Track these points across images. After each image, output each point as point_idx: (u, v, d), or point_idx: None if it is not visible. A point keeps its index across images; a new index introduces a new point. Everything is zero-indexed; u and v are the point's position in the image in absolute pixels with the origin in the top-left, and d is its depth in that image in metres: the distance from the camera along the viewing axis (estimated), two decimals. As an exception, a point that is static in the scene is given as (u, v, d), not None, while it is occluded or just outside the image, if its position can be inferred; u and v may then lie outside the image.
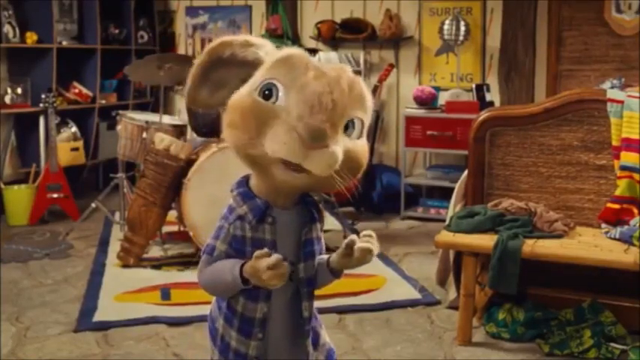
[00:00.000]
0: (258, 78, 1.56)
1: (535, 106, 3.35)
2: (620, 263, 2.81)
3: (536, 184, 3.29)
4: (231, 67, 1.64)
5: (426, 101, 5.61)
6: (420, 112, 5.58)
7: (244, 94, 1.55)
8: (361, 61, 6.09)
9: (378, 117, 5.93)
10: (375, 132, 5.92)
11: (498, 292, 3.13)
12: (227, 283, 1.58)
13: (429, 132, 5.50)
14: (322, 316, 3.44)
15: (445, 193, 5.61)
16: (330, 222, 5.28)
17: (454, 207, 3.57)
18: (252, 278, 1.52)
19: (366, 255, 1.65)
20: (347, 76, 1.60)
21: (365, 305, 3.60)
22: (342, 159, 1.50)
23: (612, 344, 3.02)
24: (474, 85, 5.67)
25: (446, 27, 5.59)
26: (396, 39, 6.01)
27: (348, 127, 1.54)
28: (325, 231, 5.28)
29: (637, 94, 3.15)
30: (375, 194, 5.81)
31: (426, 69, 6.07)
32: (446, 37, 5.62)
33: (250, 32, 6.65)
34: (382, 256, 4.50)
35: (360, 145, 1.60)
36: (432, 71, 6.05)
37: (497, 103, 5.71)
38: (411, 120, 5.58)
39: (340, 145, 1.50)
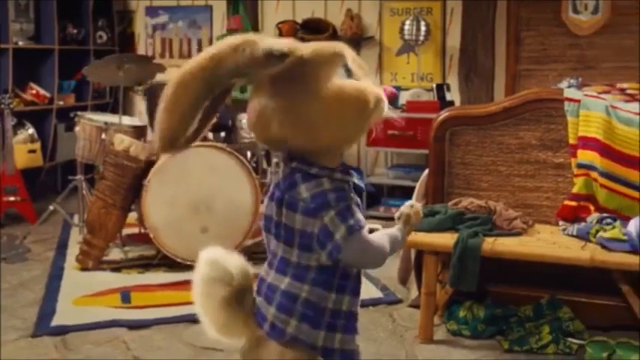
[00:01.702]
0: None
1: (494, 105, 3.39)
2: (577, 260, 2.86)
3: (496, 183, 3.32)
4: None
5: (387, 101, 5.62)
6: (382, 112, 5.59)
7: None
8: (322, 61, 6.08)
9: (339, 117, 5.93)
10: (337, 132, 5.93)
11: (459, 290, 3.15)
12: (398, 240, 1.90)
13: (390, 131, 5.52)
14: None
15: (407, 193, 5.64)
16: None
17: (415, 206, 3.57)
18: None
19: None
20: None
21: (327, 305, 3.60)
22: None
23: (570, 339, 3.06)
24: (434, 85, 5.72)
25: (406, 27, 5.63)
26: (357, 39, 6.02)
27: None
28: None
29: (593, 94, 3.21)
30: (337, 194, 5.81)
31: (387, 69, 6.09)
32: (406, 37, 5.66)
33: (211, 32, 6.63)
34: (345, 256, 4.51)
35: None
36: (392, 71, 6.08)
37: (457, 103, 5.76)
38: (372, 120, 5.59)
39: None
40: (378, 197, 5.84)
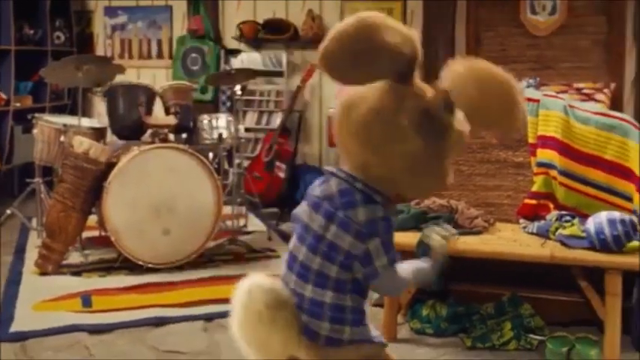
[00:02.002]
0: None
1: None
2: (537, 257, 2.89)
3: (457, 182, 3.35)
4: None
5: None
6: (343, 113, 5.61)
7: None
8: (284, 61, 6.08)
9: (300, 118, 5.94)
10: (298, 133, 5.93)
11: (422, 289, 3.18)
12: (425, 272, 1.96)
13: (352, 132, 5.54)
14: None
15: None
16: (255, 223, 5.27)
17: (378, 206, 3.59)
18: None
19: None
20: None
21: (291, 306, 3.59)
22: None
23: (531, 335, 3.11)
24: (395, 85, 5.75)
25: (367, 28, 5.64)
26: (319, 39, 5.99)
27: None
28: (249, 232, 5.21)
29: (552, 93, 3.26)
30: (299, 194, 5.80)
31: (349, 69, 6.10)
32: (367, 37, 5.67)
33: (171, 33, 6.57)
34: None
35: None
36: (354, 72, 6.08)
37: (418, 103, 5.80)
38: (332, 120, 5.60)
39: None
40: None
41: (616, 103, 5.03)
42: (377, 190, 1.80)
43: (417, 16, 5.82)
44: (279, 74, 6.08)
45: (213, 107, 6.14)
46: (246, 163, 5.70)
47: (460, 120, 1.81)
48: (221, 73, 4.91)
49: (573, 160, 3.14)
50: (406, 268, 1.92)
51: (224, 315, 3.43)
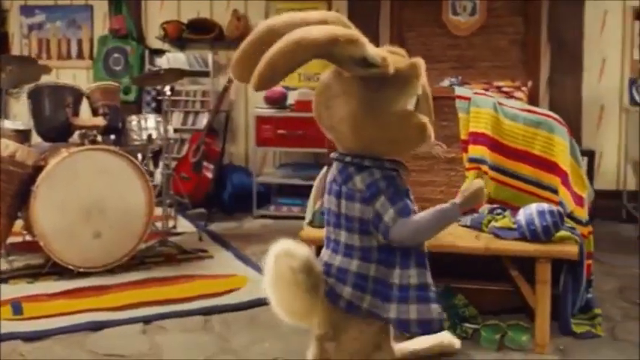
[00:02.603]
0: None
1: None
2: (472, 249, 3.01)
3: (394, 179, 3.43)
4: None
5: (276, 101, 5.69)
6: (271, 112, 5.64)
7: None
8: (210, 61, 6.05)
9: (227, 118, 5.93)
10: (226, 133, 5.92)
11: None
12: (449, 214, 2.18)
13: (279, 131, 5.58)
14: (187, 319, 3.44)
15: (296, 191, 5.72)
16: (184, 224, 5.23)
17: (314, 203, 3.64)
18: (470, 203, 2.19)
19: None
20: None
21: (229, 305, 3.60)
22: None
23: (466, 324, 3.21)
24: (322, 85, 5.81)
25: (293, 28, 5.69)
26: (244, 39, 6.01)
27: None
28: (179, 233, 5.15)
29: (482, 92, 3.39)
30: (226, 194, 5.80)
31: (275, 69, 6.12)
32: (293, 37, 5.72)
33: (92, 33, 6.43)
34: (240, 256, 4.52)
35: None
36: (280, 71, 6.11)
37: (344, 102, 5.89)
38: (262, 120, 5.63)
39: None
40: (267, 196, 5.87)
41: (533, 101, 5.25)
42: (365, 156, 2.07)
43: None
44: (205, 74, 6.04)
45: (137, 108, 6.05)
46: (173, 164, 5.64)
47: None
48: (150, 73, 4.84)
49: (503, 156, 3.27)
50: (424, 215, 2.13)
51: (162, 317, 3.45)
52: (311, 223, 3.29)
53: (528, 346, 3.07)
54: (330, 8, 5.95)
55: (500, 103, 3.33)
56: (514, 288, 3.25)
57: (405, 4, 5.67)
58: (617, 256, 4.44)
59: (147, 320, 3.39)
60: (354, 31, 2.05)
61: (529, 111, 3.33)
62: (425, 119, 2.19)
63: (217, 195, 5.70)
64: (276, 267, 2.10)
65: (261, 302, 3.59)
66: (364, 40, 2.02)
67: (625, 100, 5.66)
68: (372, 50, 2.03)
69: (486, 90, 4.73)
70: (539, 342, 3.03)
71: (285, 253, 2.11)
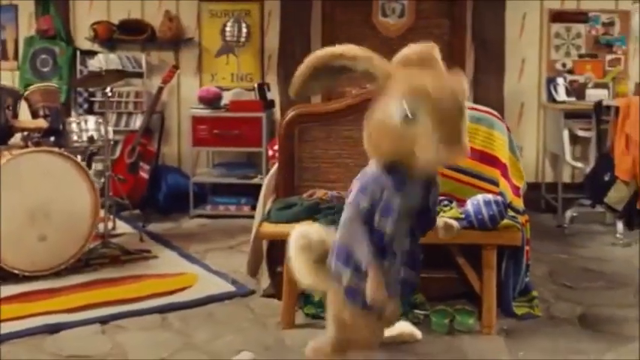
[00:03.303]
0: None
1: (338, 103, 3.65)
2: (425, 239, 3.15)
3: (343, 174, 3.57)
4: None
5: (211, 101, 5.73)
6: (207, 112, 5.69)
7: None
8: (143, 62, 6.04)
9: (163, 118, 5.94)
10: (161, 133, 5.93)
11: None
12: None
13: (215, 131, 5.64)
14: (143, 318, 3.49)
15: (232, 190, 5.80)
16: (121, 225, 5.21)
17: (265, 200, 3.74)
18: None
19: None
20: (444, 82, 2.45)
21: (185, 302, 3.66)
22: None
23: (417, 311, 3.40)
24: (256, 85, 5.91)
25: (228, 29, 5.77)
26: (177, 40, 6.05)
27: None
28: (119, 235, 5.13)
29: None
30: (161, 195, 5.81)
31: (207, 70, 6.18)
32: (228, 38, 5.80)
33: (16, 33, 6.29)
34: (185, 255, 4.57)
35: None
36: (212, 72, 6.18)
37: (277, 102, 6.01)
38: (197, 120, 5.67)
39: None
40: (202, 196, 5.90)
41: (459, 99, 5.51)
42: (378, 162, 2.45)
43: (274, 17, 6.01)
44: (138, 75, 6.02)
45: (66, 110, 5.96)
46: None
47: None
48: (90, 74, 4.81)
49: (447, 151, 3.46)
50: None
51: (118, 317, 3.48)
52: (268, 219, 3.38)
53: (475, 328, 3.29)
54: (262, 9, 6.06)
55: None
56: (458, 275, 3.46)
57: (337, 5, 5.81)
58: (542, 244, 4.74)
59: (103, 320, 3.41)
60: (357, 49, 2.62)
61: (471, 108, 3.53)
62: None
63: (152, 196, 5.70)
64: (289, 243, 2.64)
65: (215, 299, 3.73)
66: (369, 55, 2.59)
67: (543, 97, 6.02)
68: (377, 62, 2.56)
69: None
70: (486, 324, 3.25)
71: (296, 234, 2.65)
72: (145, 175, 5.60)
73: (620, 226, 4.91)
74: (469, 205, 3.20)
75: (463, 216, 3.22)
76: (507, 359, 3.02)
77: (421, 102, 2.29)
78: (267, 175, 3.86)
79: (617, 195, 4.78)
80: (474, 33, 5.86)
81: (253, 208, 5.64)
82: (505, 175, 3.45)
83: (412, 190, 2.47)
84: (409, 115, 2.29)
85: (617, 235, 4.89)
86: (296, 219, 3.30)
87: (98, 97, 6.06)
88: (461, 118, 2.36)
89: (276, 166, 3.74)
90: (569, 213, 5.27)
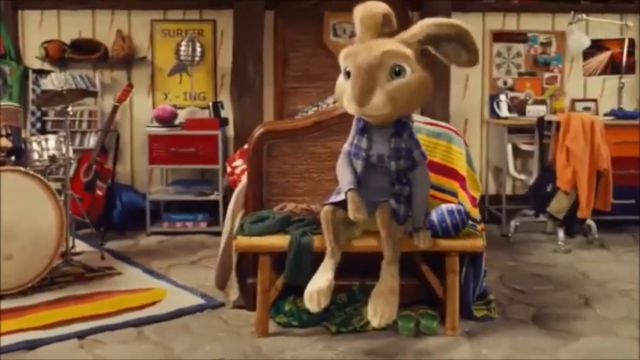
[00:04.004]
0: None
1: (306, 120, 3.82)
2: (379, 247, 3.30)
3: (310, 188, 3.74)
4: None
5: (167, 120, 5.82)
6: (163, 131, 5.77)
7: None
8: (97, 81, 6.07)
9: (118, 137, 5.98)
10: (117, 152, 5.97)
11: (285, 285, 3.49)
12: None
13: (172, 149, 5.72)
14: (119, 332, 3.56)
15: (188, 207, 5.89)
16: (79, 244, 5.22)
17: (234, 215, 3.87)
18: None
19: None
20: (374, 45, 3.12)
21: (158, 315, 3.74)
22: (390, 96, 3.04)
23: (384, 317, 3.57)
24: (210, 103, 6.03)
25: (183, 48, 5.88)
26: (129, 59, 6.12)
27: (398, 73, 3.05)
28: (78, 253, 5.16)
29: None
30: (116, 213, 5.85)
31: (160, 88, 6.26)
32: (183, 57, 5.90)
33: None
34: (148, 271, 4.64)
35: (403, 82, 3.07)
36: (165, 91, 6.26)
37: (230, 120, 6.13)
38: (154, 138, 5.74)
39: (382, 92, 3.04)
40: (157, 213, 5.97)
41: (407, 115, 5.77)
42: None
43: (227, 36, 6.15)
44: (92, 94, 6.04)
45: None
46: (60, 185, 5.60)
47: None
48: (52, 93, 4.81)
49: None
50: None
51: (94, 331, 3.55)
52: (241, 232, 3.50)
53: (439, 331, 3.49)
54: (215, 29, 6.19)
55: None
56: (420, 282, 3.66)
57: (288, 25, 6.00)
58: (490, 252, 4.93)
59: (80, 335, 3.46)
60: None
61: (430, 124, 3.76)
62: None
63: (107, 214, 5.73)
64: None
65: (187, 312, 3.82)
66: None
67: (486, 113, 6.33)
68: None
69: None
70: (450, 326, 3.45)
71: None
72: (101, 193, 5.63)
73: (561, 234, 5.22)
74: (433, 215, 3.41)
75: (428, 225, 3.42)
76: (472, 358, 3.22)
77: (349, 63, 3.10)
78: (235, 190, 3.98)
79: (558, 205, 5.10)
80: (420, 52, 6.11)
81: (210, 224, 5.81)
82: (463, 186, 3.68)
83: (376, 137, 3.17)
84: (347, 72, 3.11)
85: (559, 243, 5.20)
86: (269, 231, 3.45)
87: (51, 117, 6.08)
88: (370, 80, 3.03)
89: (244, 181, 3.87)
90: (512, 223, 5.56)
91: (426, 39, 3.09)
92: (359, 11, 3.21)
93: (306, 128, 3.72)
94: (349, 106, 3.14)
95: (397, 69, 3.04)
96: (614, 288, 4.25)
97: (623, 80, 6.08)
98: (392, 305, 3.09)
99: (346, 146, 3.28)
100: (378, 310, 3.07)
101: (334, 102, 5.05)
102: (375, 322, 3.09)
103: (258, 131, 3.75)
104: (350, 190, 3.17)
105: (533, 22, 6.31)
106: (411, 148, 3.22)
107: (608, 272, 4.62)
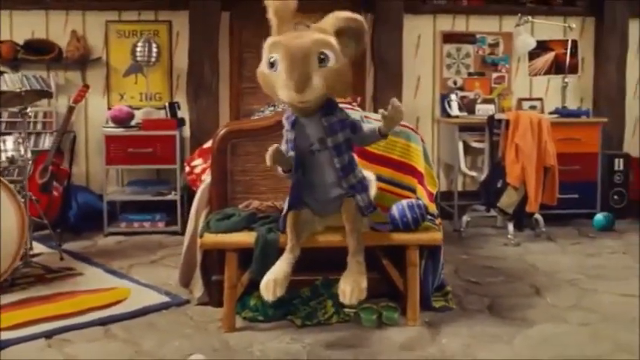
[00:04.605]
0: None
1: (269, 119, 3.91)
2: (342, 242, 3.41)
3: (272, 186, 3.83)
4: None
5: (124, 120, 5.83)
6: (120, 131, 5.77)
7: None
8: (52, 82, 6.02)
9: (75, 138, 5.96)
10: (72, 153, 5.94)
11: (251, 281, 3.58)
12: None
13: (129, 149, 5.73)
14: (86, 331, 3.60)
15: (145, 206, 5.91)
16: (36, 245, 5.21)
17: (198, 213, 3.93)
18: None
19: (397, 111, 3.24)
20: (300, 34, 3.15)
21: (124, 314, 3.78)
22: (324, 82, 3.11)
23: (347, 309, 3.69)
24: (167, 104, 6.06)
25: (139, 49, 5.89)
26: (84, 60, 6.10)
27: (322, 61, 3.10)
28: (37, 254, 5.15)
29: (349, 106, 3.89)
30: (72, 214, 5.83)
31: (115, 89, 6.26)
32: (139, 58, 5.92)
33: None
34: (110, 271, 4.66)
35: (329, 70, 3.12)
36: (120, 91, 6.27)
37: (187, 120, 6.17)
38: (111, 139, 5.74)
39: (317, 78, 3.09)
40: (113, 214, 5.97)
41: (362, 114, 5.91)
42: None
43: (182, 37, 6.18)
44: (49, 95, 5.99)
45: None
46: (17, 186, 5.55)
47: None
48: (10, 94, 4.77)
49: (368, 161, 3.78)
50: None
51: (61, 331, 3.58)
52: (207, 230, 3.57)
53: (400, 322, 3.63)
54: (170, 29, 6.22)
55: (366, 117, 3.87)
56: (381, 275, 3.78)
57: (243, 27, 6.07)
58: (444, 246, 5.14)
59: (47, 335, 3.48)
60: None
61: (390, 123, 3.89)
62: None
63: (62, 215, 5.71)
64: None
65: (153, 309, 3.87)
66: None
67: (437, 112, 6.52)
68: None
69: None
70: (411, 317, 3.59)
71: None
72: (57, 194, 5.61)
73: (510, 227, 5.43)
74: (394, 210, 3.54)
75: (388, 220, 3.56)
76: (433, 346, 3.37)
77: (277, 53, 3.14)
78: (199, 189, 4.03)
79: (508, 200, 5.31)
80: (373, 53, 6.28)
81: (168, 223, 5.84)
82: (421, 182, 3.82)
83: (309, 127, 3.25)
84: (271, 63, 3.16)
85: (509, 236, 5.41)
86: (235, 228, 3.54)
87: (5, 118, 6.02)
88: (306, 66, 3.08)
89: (207, 180, 3.94)
90: (464, 218, 5.75)
91: (338, 30, 3.19)
92: (272, 4, 3.25)
93: (269, 127, 3.80)
94: (286, 94, 3.12)
95: (322, 57, 3.10)
96: (562, 278, 4.47)
97: (566, 80, 6.33)
98: (360, 285, 3.22)
99: (282, 147, 3.29)
100: (347, 289, 3.20)
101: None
102: (345, 300, 3.23)
103: (222, 131, 3.82)
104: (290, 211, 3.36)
105: (481, 24, 6.53)
106: (343, 118, 3.29)
107: (556, 263, 4.84)
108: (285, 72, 3.08)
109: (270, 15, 3.28)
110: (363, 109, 5.99)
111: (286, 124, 3.30)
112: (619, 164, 6.16)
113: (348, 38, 3.20)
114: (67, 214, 5.78)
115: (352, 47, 3.23)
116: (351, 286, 3.19)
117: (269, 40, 3.23)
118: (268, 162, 3.14)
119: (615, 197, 6.14)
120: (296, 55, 3.07)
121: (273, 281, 3.23)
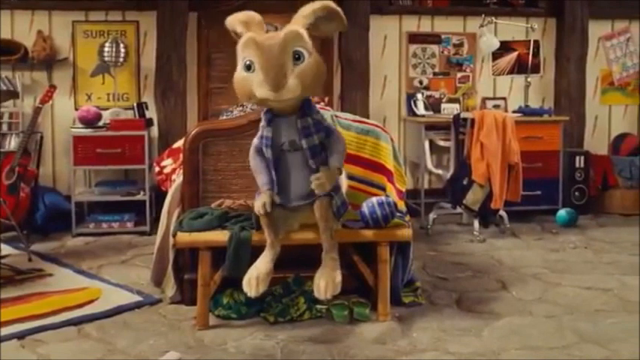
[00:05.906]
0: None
1: (241, 119, 3.95)
2: (315, 239, 3.47)
3: (245, 185, 3.87)
4: None
5: (92, 121, 5.81)
6: (88, 132, 5.75)
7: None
8: (18, 83, 5.99)
9: (42, 139, 5.92)
10: (40, 154, 5.91)
11: (225, 278, 3.62)
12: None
13: (98, 150, 5.72)
14: (58, 331, 3.61)
15: (114, 207, 5.90)
16: (6, 247, 5.17)
17: (170, 213, 3.96)
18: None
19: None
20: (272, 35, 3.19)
21: (96, 313, 3.78)
22: (299, 80, 3.10)
23: (318, 306, 3.75)
24: (135, 104, 6.06)
25: (106, 49, 5.88)
26: (50, 60, 6.06)
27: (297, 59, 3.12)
28: (5, 256, 5.15)
29: (321, 105, 3.95)
30: (39, 216, 5.80)
31: (82, 90, 6.24)
32: (106, 58, 5.90)
33: None
34: (79, 271, 4.65)
35: (305, 65, 3.14)
36: (88, 92, 6.25)
37: (155, 120, 6.17)
38: (78, 140, 5.72)
39: (293, 76, 3.09)
40: (81, 214, 5.95)
41: (330, 114, 5.98)
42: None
43: (150, 37, 6.18)
44: (16, 95, 5.97)
45: None
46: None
47: None
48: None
49: (340, 161, 3.85)
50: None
51: (34, 331, 3.59)
52: (180, 229, 3.60)
53: (371, 317, 3.70)
54: (138, 30, 6.21)
55: (336, 116, 3.94)
56: (351, 272, 3.85)
57: (211, 27, 6.10)
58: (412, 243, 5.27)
59: (20, 336, 3.48)
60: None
61: (359, 121, 3.97)
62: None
63: (29, 217, 5.67)
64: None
65: (126, 308, 3.89)
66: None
67: (403, 111, 6.62)
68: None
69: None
70: (382, 312, 3.66)
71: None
72: (24, 195, 5.57)
73: (476, 224, 5.55)
74: (364, 207, 3.61)
75: (359, 217, 3.63)
76: (404, 340, 3.45)
77: (251, 52, 3.16)
78: (170, 189, 4.06)
79: (474, 197, 5.43)
80: (340, 52, 6.35)
81: (137, 224, 5.84)
82: (391, 180, 3.90)
83: (284, 126, 3.28)
84: (247, 65, 3.18)
85: (474, 233, 5.53)
86: (208, 227, 3.57)
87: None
88: (282, 64, 3.09)
89: (179, 179, 3.96)
90: (431, 215, 5.85)
91: (314, 21, 3.21)
92: (238, 17, 3.31)
93: (240, 127, 3.85)
94: (263, 93, 3.09)
95: (297, 55, 3.11)
96: (526, 272, 4.59)
97: (529, 79, 6.48)
98: (334, 280, 3.27)
99: (255, 140, 3.36)
100: (322, 284, 3.25)
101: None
102: (320, 294, 3.27)
103: (194, 130, 3.85)
104: (266, 189, 3.33)
105: (446, 25, 6.65)
106: (319, 120, 3.30)
107: (521, 258, 4.97)
108: (262, 70, 3.08)
109: (238, 29, 3.28)
110: (331, 108, 6.07)
111: (263, 120, 3.31)
112: (580, 162, 6.34)
113: (326, 23, 3.23)
114: (35, 216, 5.74)
115: (334, 26, 3.29)
116: (325, 281, 3.24)
117: (241, 40, 3.20)
118: (261, 210, 3.27)
119: (576, 194, 6.31)
120: (271, 52, 3.07)
121: (255, 278, 3.26)
